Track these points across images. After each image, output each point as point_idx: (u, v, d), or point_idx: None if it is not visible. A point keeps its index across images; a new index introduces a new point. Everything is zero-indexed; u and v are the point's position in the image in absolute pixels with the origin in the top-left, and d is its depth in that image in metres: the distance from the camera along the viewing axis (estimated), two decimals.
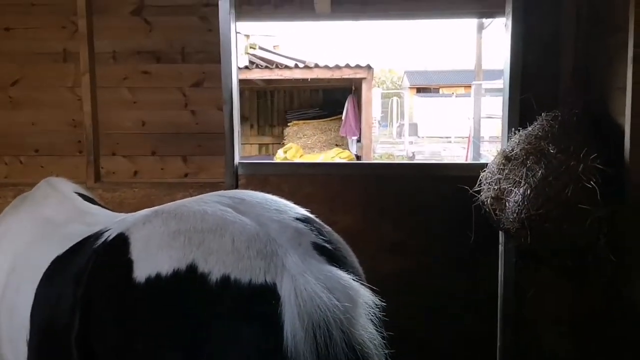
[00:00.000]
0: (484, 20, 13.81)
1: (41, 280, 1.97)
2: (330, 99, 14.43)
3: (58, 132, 3.78)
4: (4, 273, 2.14)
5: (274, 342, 1.42)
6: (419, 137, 27.35)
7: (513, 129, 3.20)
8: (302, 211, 1.80)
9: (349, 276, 1.54)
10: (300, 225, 1.68)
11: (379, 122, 25.58)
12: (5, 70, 3.78)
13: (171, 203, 1.87)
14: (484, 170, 3.10)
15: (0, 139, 3.82)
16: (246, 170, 3.65)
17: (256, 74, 12.06)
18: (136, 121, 3.74)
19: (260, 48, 13.42)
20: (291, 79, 12.32)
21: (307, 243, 1.63)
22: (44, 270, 1.99)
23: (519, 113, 3.36)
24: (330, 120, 14.03)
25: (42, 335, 1.90)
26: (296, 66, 12.26)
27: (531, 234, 2.60)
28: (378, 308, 1.54)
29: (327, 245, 1.65)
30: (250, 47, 12.99)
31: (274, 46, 14.94)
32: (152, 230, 1.69)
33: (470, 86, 18.99)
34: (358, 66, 11.75)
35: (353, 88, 13.55)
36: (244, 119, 13.88)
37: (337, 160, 11.84)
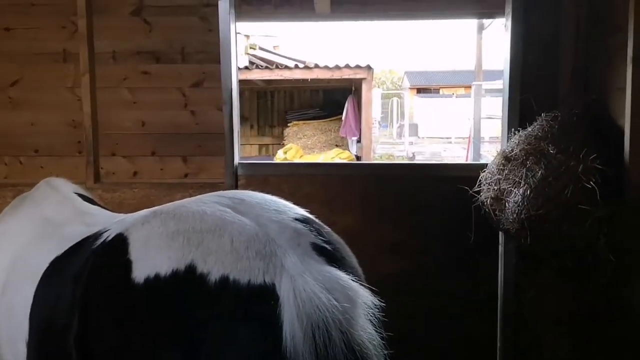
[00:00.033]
0: (484, 20, 13.80)
1: (40, 280, 1.97)
2: (330, 99, 14.44)
3: (58, 133, 3.78)
4: (3, 273, 2.14)
5: (272, 343, 1.42)
6: (419, 137, 27.35)
7: (513, 129, 3.19)
8: (302, 211, 1.80)
9: (348, 277, 1.54)
10: (300, 225, 1.68)
11: (379, 122, 25.58)
12: (5, 70, 3.78)
13: (170, 203, 1.87)
14: (484, 171, 3.10)
15: (0, 139, 3.82)
16: (246, 171, 3.65)
17: (256, 75, 12.07)
18: (136, 121, 3.74)
19: (261, 48, 13.44)
20: (291, 80, 12.34)
21: (306, 243, 1.62)
22: (43, 270, 1.99)
23: (519, 113, 3.36)
24: (330, 120, 14.04)
25: (41, 335, 1.90)
26: (296, 66, 12.27)
27: (531, 235, 2.60)
28: (377, 308, 1.54)
29: (327, 246, 1.65)
30: (251, 48, 13.00)
31: (274, 46, 14.96)
32: (151, 230, 1.69)
33: (470, 87, 18.97)
34: (358, 66, 11.76)
35: (353, 88, 13.55)
36: (244, 119, 13.88)
37: (337, 160, 11.85)
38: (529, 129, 2.98)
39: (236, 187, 3.59)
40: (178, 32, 3.67)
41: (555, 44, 3.37)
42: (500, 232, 3.31)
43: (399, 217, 3.54)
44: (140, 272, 1.60)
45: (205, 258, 1.54)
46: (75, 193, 2.49)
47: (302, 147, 13.40)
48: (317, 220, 1.79)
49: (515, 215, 2.64)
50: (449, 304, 3.49)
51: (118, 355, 1.61)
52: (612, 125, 2.80)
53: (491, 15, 4.33)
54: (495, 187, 2.88)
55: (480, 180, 3.09)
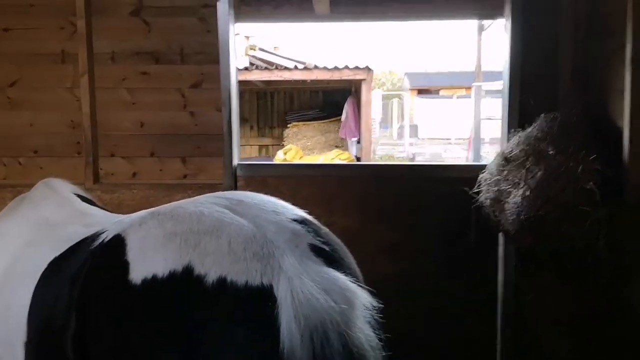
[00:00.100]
0: (484, 21, 13.82)
1: (38, 281, 1.97)
2: (330, 100, 14.44)
3: (57, 133, 3.78)
4: (1, 274, 2.14)
5: (270, 344, 1.42)
6: (419, 138, 27.35)
7: (512, 130, 3.19)
8: (300, 212, 1.79)
9: (346, 278, 1.53)
10: (298, 226, 1.67)
11: (379, 123, 25.59)
12: (4, 71, 3.78)
13: (168, 204, 1.86)
14: (483, 172, 3.10)
15: None
16: (245, 172, 3.64)
17: (256, 75, 12.08)
18: (135, 122, 3.74)
19: (260, 49, 13.46)
20: (291, 80, 12.36)
21: (304, 245, 1.62)
22: (41, 271, 1.99)
23: (519, 114, 3.36)
24: (330, 121, 14.04)
25: (39, 336, 1.90)
26: (296, 67, 12.29)
27: (530, 236, 2.60)
28: (376, 310, 1.53)
29: (325, 247, 1.65)
30: (250, 49, 13.02)
31: (273, 47, 14.98)
32: (149, 231, 1.69)
33: (470, 88, 18.98)
34: (357, 68, 11.78)
35: (353, 89, 13.56)
36: (243, 120, 13.89)
37: (337, 161, 11.84)
38: (529, 129, 2.98)
39: (235, 188, 3.59)
40: (177, 32, 3.66)
41: (555, 45, 3.37)
42: (499, 233, 3.30)
43: (398, 217, 3.53)
44: (138, 273, 1.59)
45: (203, 259, 1.53)
46: (74, 194, 2.49)
47: (302, 148, 13.40)
48: (315, 221, 1.79)
49: (514, 216, 2.64)
50: (449, 304, 3.48)
51: (116, 356, 1.60)
52: (611, 127, 2.79)
53: (491, 16, 4.33)
54: (495, 188, 2.87)
55: (479, 181, 3.09)
